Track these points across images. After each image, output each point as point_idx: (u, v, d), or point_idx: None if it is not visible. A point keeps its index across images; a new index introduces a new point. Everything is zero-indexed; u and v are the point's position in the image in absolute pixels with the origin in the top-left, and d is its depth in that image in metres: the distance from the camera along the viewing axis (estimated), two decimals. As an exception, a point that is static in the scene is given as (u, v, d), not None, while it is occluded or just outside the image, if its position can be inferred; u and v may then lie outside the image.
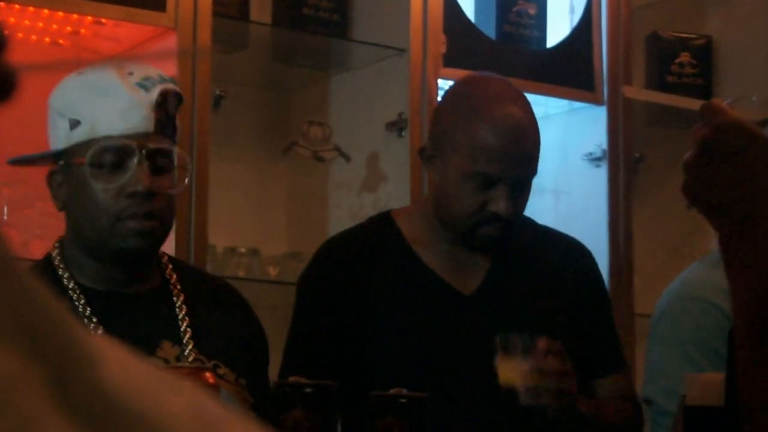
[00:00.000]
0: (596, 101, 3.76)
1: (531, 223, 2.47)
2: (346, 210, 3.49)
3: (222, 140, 3.42)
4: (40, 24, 3.18)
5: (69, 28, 3.21)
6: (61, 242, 2.13)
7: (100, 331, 2.02)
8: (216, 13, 3.16)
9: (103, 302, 2.07)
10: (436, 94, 3.37)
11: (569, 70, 3.71)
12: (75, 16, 3.15)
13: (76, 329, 0.54)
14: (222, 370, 2.06)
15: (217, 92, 3.25)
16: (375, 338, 2.31)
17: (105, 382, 0.54)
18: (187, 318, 2.09)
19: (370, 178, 3.50)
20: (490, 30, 3.61)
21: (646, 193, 4.00)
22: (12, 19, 3.10)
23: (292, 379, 1.83)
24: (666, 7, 4.20)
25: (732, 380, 1.59)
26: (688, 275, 2.66)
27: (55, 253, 2.11)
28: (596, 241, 3.63)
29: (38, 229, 3.06)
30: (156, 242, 2.08)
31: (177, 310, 2.09)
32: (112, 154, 2.02)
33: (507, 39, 3.63)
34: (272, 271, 3.43)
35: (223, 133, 3.42)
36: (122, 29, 3.19)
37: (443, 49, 3.45)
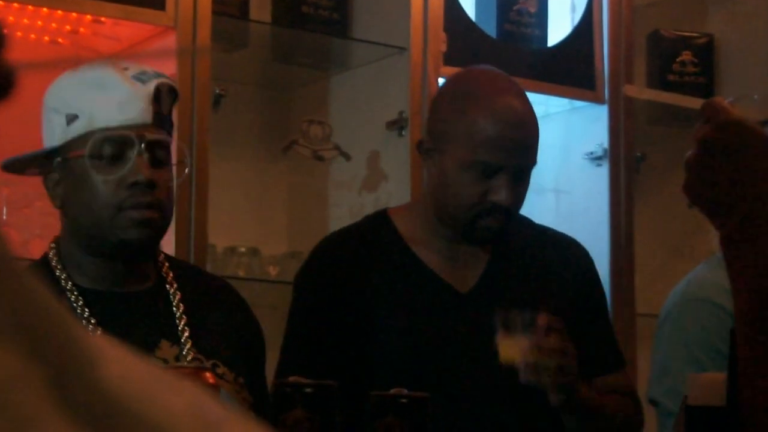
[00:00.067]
0: (597, 100, 3.75)
1: (528, 222, 2.47)
2: (346, 209, 3.49)
3: (222, 139, 3.42)
4: (39, 22, 3.18)
5: (68, 27, 3.21)
6: (58, 242, 2.12)
7: (98, 332, 2.01)
8: (215, 12, 3.15)
9: (101, 302, 2.06)
10: (437, 93, 3.37)
11: (570, 68, 3.71)
12: (74, 14, 3.15)
13: (75, 329, 0.54)
14: (221, 370, 2.06)
15: (217, 91, 3.24)
16: (372, 337, 2.31)
17: (105, 382, 0.54)
18: (184, 317, 2.08)
19: (370, 177, 3.49)
20: (490, 28, 3.61)
21: (647, 193, 4.00)
22: (11, 18, 3.10)
23: (292, 378, 1.82)
24: (667, 5, 4.19)
25: (734, 380, 1.58)
26: (693, 276, 2.66)
27: (51, 253, 2.10)
28: (597, 240, 3.63)
29: (38, 228, 3.06)
30: (156, 234, 2.07)
31: (174, 308, 2.09)
32: (112, 146, 2.01)
33: (508, 37, 3.63)
34: (272, 271, 3.42)
35: (222, 132, 3.42)
36: (121, 28, 3.19)
37: (444, 47, 3.44)
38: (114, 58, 3.08)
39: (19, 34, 3.11)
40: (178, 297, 2.10)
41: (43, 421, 0.50)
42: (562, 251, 2.45)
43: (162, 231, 2.08)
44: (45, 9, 3.11)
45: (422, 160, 2.41)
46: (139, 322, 2.06)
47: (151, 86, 2.03)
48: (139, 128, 2.02)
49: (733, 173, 1.48)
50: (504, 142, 2.28)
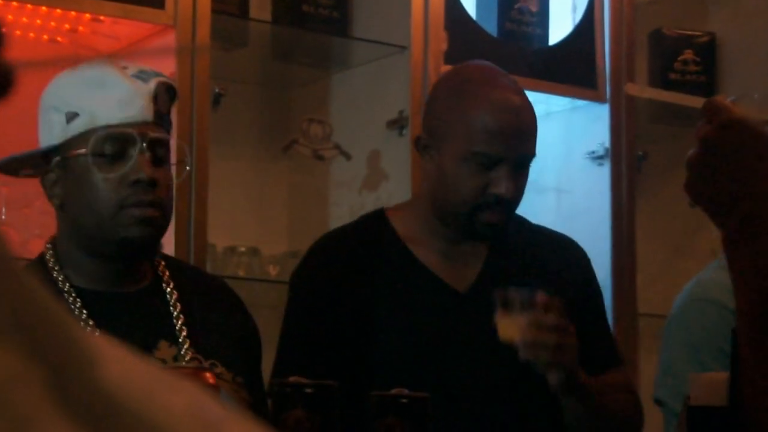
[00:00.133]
0: (599, 99, 3.75)
1: (524, 222, 2.47)
2: (346, 209, 3.48)
3: (221, 139, 3.42)
4: (38, 21, 3.17)
5: (67, 26, 3.20)
6: (54, 242, 2.11)
7: (97, 333, 2.00)
8: (215, 11, 3.15)
9: (98, 303, 2.05)
10: (437, 92, 3.36)
11: (571, 67, 3.70)
12: (73, 13, 3.15)
13: (75, 329, 0.54)
14: (219, 369, 2.05)
15: (217, 90, 3.23)
16: (369, 336, 2.30)
17: (105, 382, 0.54)
18: (182, 316, 2.07)
19: (370, 176, 3.49)
20: (491, 27, 3.60)
21: (648, 192, 3.99)
22: (10, 17, 3.09)
23: (292, 379, 1.82)
24: (669, 4, 4.19)
25: (736, 380, 1.57)
26: (700, 277, 2.67)
27: (48, 254, 2.09)
28: (598, 239, 3.63)
29: (37, 228, 3.05)
30: (157, 232, 2.06)
31: (171, 308, 2.08)
32: (113, 143, 2.01)
33: (509, 36, 3.62)
34: (272, 271, 3.42)
35: (222, 131, 3.41)
36: (121, 26, 3.18)
37: (444, 46, 3.44)
38: (113, 57, 3.07)
39: (17, 32, 3.11)
40: (174, 296, 2.09)
41: (42, 421, 0.50)
42: (559, 250, 2.45)
43: (163, 230, 2.07)
44: (44, 7, 3.11)
45: (420, 157, 2.40)
46: (137, 323, 2.05)
47: (152, 84, 2.02)
48: (140, 126, 2.01)
49: (734, 172, 1.48)
50: (502, 132, 2.27)
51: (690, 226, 4.02)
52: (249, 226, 3.62)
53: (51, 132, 2.06)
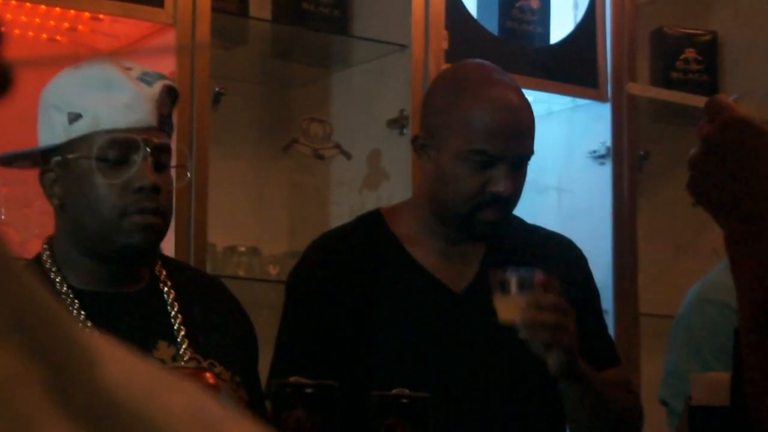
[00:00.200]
0: (600, 98, 3.74)
1: (520, 221, 2.46)
2: (347, 208, 3.48)
3: (221, 138, 3.41)
4: (37, 20, 3.17)
5: (66, 24, 3.20)
6: (51, 242, 2.10)
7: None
8: (215, 9, 3.14)
9: (96, 304, 2.04)
10: (438, 91, 3.35)
11: (573, 66, 3.70)
12: (72, 12, 3.15)
13: (75, 329, 0.54)
14: (218, 369, 2.05)
15: (217, 89, 3.23)
16: (367, 337, 2.30)
17: (104, 382, 0.53)
18: (179, 315, 2.07)
19: (371, 175, 3.48)
20: (492, 26, 3.60)
21: (650, 191, 3.98)
22: (9, 15, 3.08)
23: (293, 379, 1.82)
24: (671, 2, 4.18)
25: (738, 380, 1.57)
26: (706, 277, 2.68)
27: (45, 255, 2.08)
28: (600, 239, 3.63)
29: (36, 228, 3.04)
30: (158, 239, 2.06)
31: (169, 307, 2.07)
32: (117, 148, 2.00)
33: (510, 35, 3.62)
34: (272, 271, 3.41)
35: (222, 130, 3.41)
36: (120, 25, 3.18)
37: (445, 45, 3.43)
38: (113, 55, 3.06)
39: (17, 31, 3.11)
40: (172, 296, 2.09)
41: (42, 421, 0.50)
42: (556, 250, 2.44)
43: (163, 235, 2.07)
44: (43, 6, 3.10)
45: (418, 157, 2.40)
46: (135, 323, 2.05)
47: (157, 88, 2.01)
48: (144, 131, 2.00)
49: (736, 171, 1.48)
50: (501, 131, 2.27)
51: (692, 226, 4.02)
52: (249, 225, 3.61)
53: (52, 131, 2.04)
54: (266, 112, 3.70)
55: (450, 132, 2.29)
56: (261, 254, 3.44)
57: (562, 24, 3.76)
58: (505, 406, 2.30)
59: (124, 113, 1.99)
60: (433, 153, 2.33)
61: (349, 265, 2.35)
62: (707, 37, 4.10)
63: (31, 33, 3.17)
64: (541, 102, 3.73)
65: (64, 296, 2.03)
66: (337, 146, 3.46)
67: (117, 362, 0.55)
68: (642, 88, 3.86)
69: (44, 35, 3.20)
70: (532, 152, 2.33)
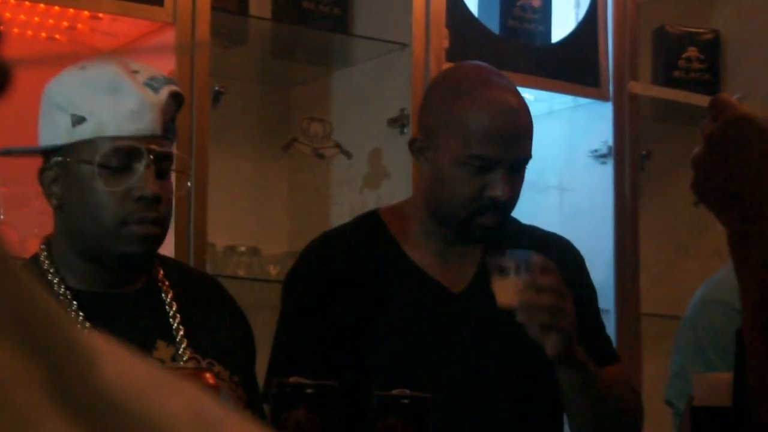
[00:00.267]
0: (602, 97, 3.74)
1: (516, 222, 2.45)
2: (347, 207, 3.47)
3: (221, 137, 3.41)
4: (36, 19, 3.17)
5: (65, 23, 3.20)
6: (49, 242, 2.08)
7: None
8: (215, 8, 3.14)
9: (94, 305, 2.04)
10: (439, 90, 3.35)
11: (574, 65, 3.69)
12: (71, 10, 3.14)
13: (74, 329, 0.54)
14: (216, 368, 2.04)
15: (216, 88, 3.22)
16: (364, 338, 2.30)
17: (104, 382, 0.54)
18: (178, 315, 2.06)
19: (372, 174, 3.48)
20: (493, 24, 3.59)
21: (652, 191, 3.98)
22: (8, 14, 3.08)
23: (293, 379, 1.82)
24: (673, 1, 4.18)
25: (740, 380, 1.57)
26: (713, 278, 2.68)
27: (43, 256, 2.07)
28: (601, 238, 3.62)
29: (35, 227, 3.03)
30: (156, 248, 2.06)
31: (167, 307, 2.07)
32: (120, 156, 1.98)
33: (511, 33, 3.61)
34: (273, 270, 3.40)
35: (222, 129, 3.40)
36: (119, 24, 3.18)
37: (446, 43, 3.43)
38: (114, 55, 3.05)
39: (15, 30, 3.10)
40: (170, 296, 2.08)
41: (41, 420, 0.50)
42: (553, 251, 2.43)
43: (161, 243, 2.06)
44: (42, 5, 3.10)
45: (415, 159, 2.39)
46: (134, 324, 2.04)
47: (163, 95, 2.00)
48: (148, 140, 1.99)
49: (740, 170, 1.47)
50: (500, 135, 2.27)
51: (693, 226, 4.02)
52: (249, 225, 3.61)
53: (55, 132, 2.02)
54: (266, 111, 3.70)
55: (448, 135, 2.29)
56: (261, 254, 3.44)
57: (563, 22, 3.75)
58: (504, 406, 2.30)
59: (129, 120, 1.98)
60: (430, 155, 2.32)
61: (346, 266, 2.34)
62: (709, 36, 4.09)
63: (30, 32, 3.16)
64: (542, 101, 3.73)
65: (62, 297, 2.02)
66: (338, 145, 3.45)
67: (116, 362, 0.55)
68: (644, 87, 3.85)
69: (43, 34, 3.19)
70: (530, 156, 2.33)
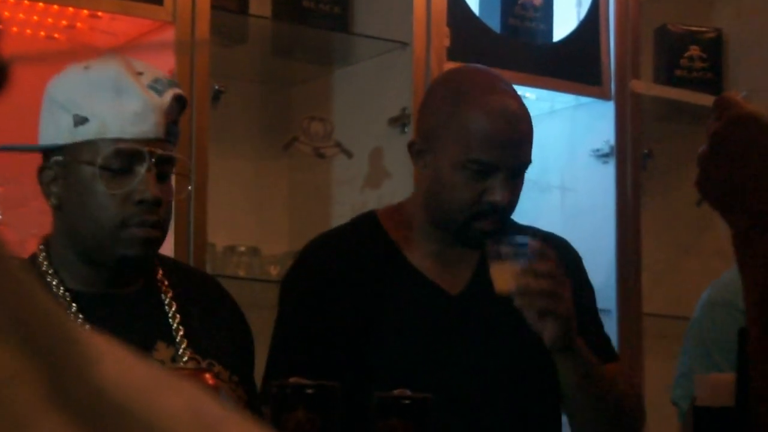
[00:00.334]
0: (603, 96, 3.73)
1: (514, 222, 2.45)
2: (348, 207, 3.46)
3: (221, 136, 3.40)
4: (35, 17, 3.16)
5: (64, 22, 3.20)
6: (48, 242, 2.07)
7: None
8: (214, 7, 3.13)
9: (93, 306, 2.03)
10: (440, 89, 3.34)
11: (576, 64, 3.69)
12: (71, 9, 3.14)
13: (74, 329, 0.55)
14: (217, 369, 2.04)
15: (216, 87, 3.22)
16: (362, 339, 2.29)
17: (103, 382, 0.54)
18: (178, 315, 2.06)
19: (373, 174, 3.48)
20: (494, 23, 3.58)
21: (654, 190, 3.98)
22: (6, 13, 3.08)
23: (293, 380, 1.81)
24: (675, -1, 4.17)
25: (743, 380, 1.56)
26: (720, 279, 2.68)
27: (42, 256, 2.05)
28: (603, 238, 3.62)
29: (34, 228, 3.03)
30: (155, 251, 2.05)
31: (166, 307, 2.06)
32: (122, 158, 1.97)
33: (512, 32, 3.60)
34: (273, 271, 3.40)
35: (222, 129, 3.40)
36: (119, 23, 3.18)
37: (447, 42, 3.42)
38: (116, 54, 3.04)
39: (14, 29, 3.10)
40: (169, 295, 2.07)
41: (40, 420, 0.50)
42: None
43: (160, 246, 2.06)
44: (41, 3, 3.10)
45: (414, 163, 2.39)
46: (134, 325, 2.03)
47: (167, 98, 1.99)
48: (151, 143, 1.98)
49: (745, 168, 1.47)
50: (499, 140, 2.26)
51: (695, 225, 4.01)
52: (249, 225, 3.60)
53: (56, 131, 2.01)
54: (266, 110, 3.69)
55: (447, 140, 2.29)
56: (261, 254, 3.43)
57: (565, 21, 3.75)
58: (503, 408, 2.29)
59: (132, 123, 1.97)
60: (429, 159, 2.32)
61: (344, 267, 2.34)
62: (712, 35, 4.08)
63: (29, 31, 3.16)
64: (543, 100, 3.72)
65: (61, 298, 2.01)
66: (338, 145, 3.44)
67: (116, 362, 0.55)
68: (646, 86, 3.84)
69: (42, 33, 3.19)
70: (530, 161, 2.33)
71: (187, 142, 2.98)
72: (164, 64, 2.94)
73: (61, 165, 2.01)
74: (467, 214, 2.27)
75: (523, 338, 2.23)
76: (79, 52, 3.13)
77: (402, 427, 1.81)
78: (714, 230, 3.88)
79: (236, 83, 3.48)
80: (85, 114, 1.98)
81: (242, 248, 3.39)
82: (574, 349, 2.18)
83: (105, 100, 1.97)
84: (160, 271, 2.09)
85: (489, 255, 2.15)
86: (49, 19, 3.17)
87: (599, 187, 3.73)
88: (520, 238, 2.16)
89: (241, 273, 3.34)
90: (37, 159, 2.07)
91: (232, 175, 3.55)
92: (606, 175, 3.72)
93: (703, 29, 4.09)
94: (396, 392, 1.85)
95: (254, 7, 3.38)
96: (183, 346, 2.03)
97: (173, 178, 2.08)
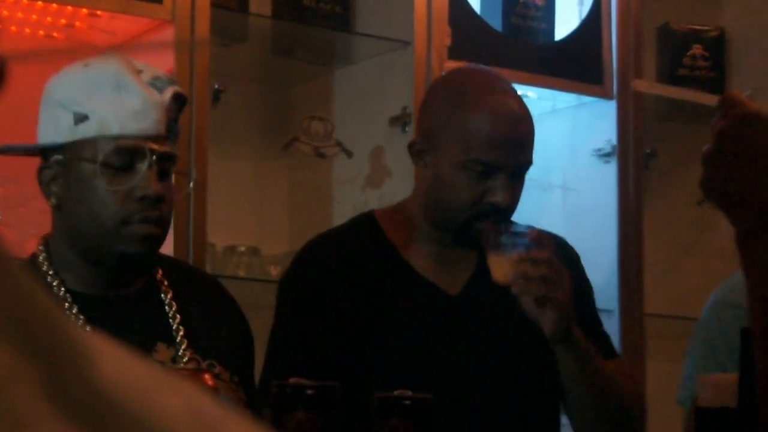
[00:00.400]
0: (606, 95, 3.73)
1: (513, 222, 2.44)
2: (349, 207, 3.46)
3: (221, 136, 3.40)
4: (34, 16, 3.16)
5: (63, 21, 3.20)
6: (47, 242, 2.06)
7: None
8: (214, 5, 3.13)
9: (93, 306, 2.02)
10: (441, 88, 3.34)
11: (578, 63, 3.69)
12: (69, 8, 3.15)
13: (73, 329, 0.54)
14: (217, 369, 2.03)
15: (216, 87, 3.22)
16: (361, 340, 2.29)
17: (102, 382, 0.54)
18: (178, 316, 2.05)
19: (373, 173, 3.47)
20: (496, 22, 3.58)
21: (656, 190, 3.97)
22: (5, 12, 3.07)
23: (293, 380, 1.82)
24: (677, -2, 4.16)
25: (745, 381, 1.56)
26: (727, 281, 2.68)
27: (42, 257, 2.04)
28: (605, 237, 3.61)
29: (33, 228, 3.02)
30: (157, 248, 2.04)
31: (166, 307, 2.05)
32: (123, 155, 1.97)
33: (514, 31, 3.60)
34: (273, 271, 3.39)
35: (222, 128, 3.39)
36: (118, 22, 3.18)
37: (448, 41, 3.42)
38: (116, 52, 3.04)
39: (13, 28, 3.10)
40: (169, 295, 2.07)
41: (39, 420, 0.50)
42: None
43: (161, 244, 2.05)
44: (40, 2, 3.10)
45: (414, 163, 2.38)
46: (134, 325, 2.03)
47: (167, 96, 1.99)
48: (151, 140, 1.98)
49: (748, 167, 1.46)
50: (501, 140, 2.26)
51: (698, 225, 4.01)
52: (249, 225, 3.60)
53: (57, 130, 2.00)
54: (266, 110, 3.69)
55: (448, 140, 2.29)
56: (261, 254, 3.43)
57: (567, 20, 3.75)
58: (503, 408, 2.29)
59: (132, 120, 1.96)
60: (430, 159, 2.32)
61: (342, 268, 2.34)
62: (714, 33, 4.07)
63: (27, 29, 3.16)
64: (545, 99, 3.72)
65: (61, 299, 2.01)
66: (339, 144, 3.44)
67: (115, 362, 0.55)
68: (648, 85, 3.84)
69: (41, 32, 3.19)
70: (531, 162, 2.33)
71: (186, 141, 2.97)
72: (164, 64, 2.93)
73: (61, 164, 2.00)
74: (468, 214, 2.27)
75: (523, 338, 2.23)
76: (78, 50, 3.12)
77: (403, 428, 1.81)
78: (716, 230, 3.87)
79: (236, 83, 3.48)
80: (85, 111, 1.97)
81: (242, 248, 3.39)
82: (573, 339, 2.17)
83: (105, 98, 1.96)
84: (160, 271, 2.08)
85: (486, 246, 2.15)
86: (48, 18, 3.17)
87: (601, 186, 3.73)
88: (518, 228, 2.17)
89: (241, 273, 3.34)
90: (36, 158, 2.07)
91: (232, 175, 3.54)
92: (608, 174, 3.72)
93: (706, 28, 4.08)
94: (396, 392, 1.85)
95: (254, 6, 3.38)
96: (183, 346, 2.02)
97: (173, 177, 2.08)
